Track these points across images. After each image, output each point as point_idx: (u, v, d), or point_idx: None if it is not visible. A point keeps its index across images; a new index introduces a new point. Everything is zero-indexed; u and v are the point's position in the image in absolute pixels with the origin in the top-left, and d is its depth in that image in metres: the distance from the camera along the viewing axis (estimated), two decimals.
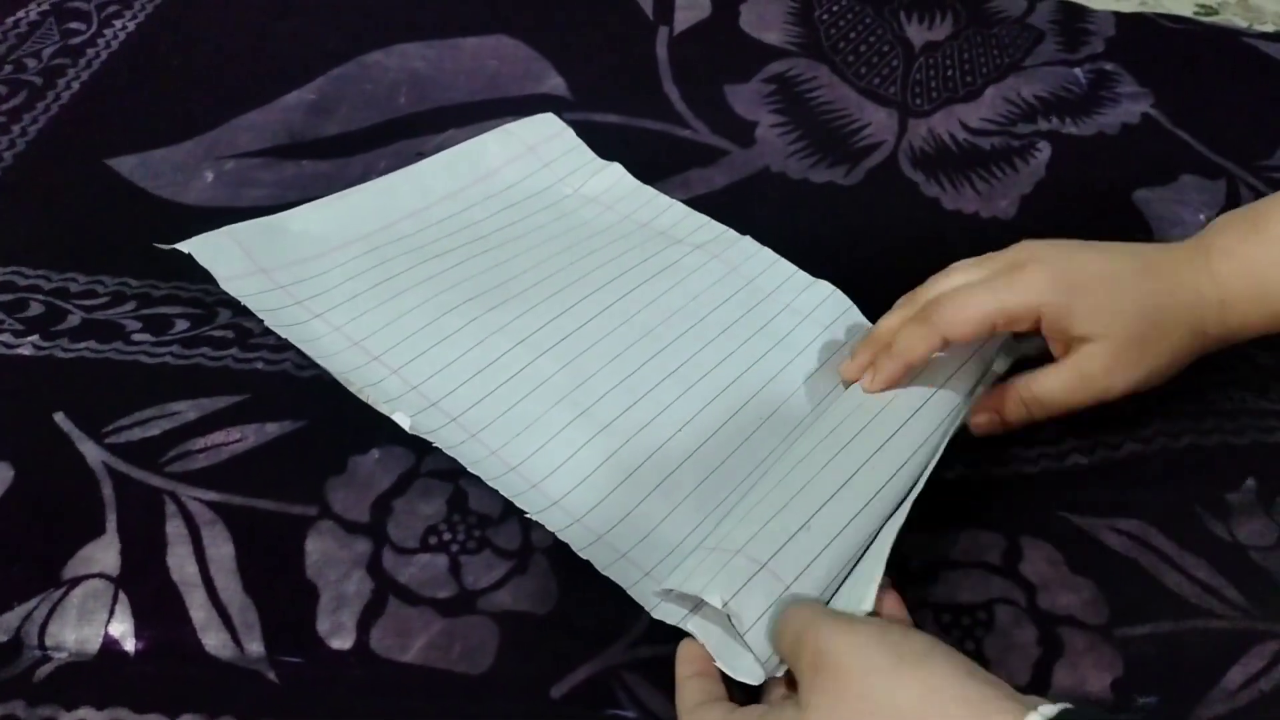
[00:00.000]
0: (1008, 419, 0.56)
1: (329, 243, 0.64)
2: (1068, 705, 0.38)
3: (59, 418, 0.56)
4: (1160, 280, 0.53)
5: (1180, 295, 0.53)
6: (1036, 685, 0.48)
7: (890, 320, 0.58)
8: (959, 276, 0.56)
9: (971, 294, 0.54)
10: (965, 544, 0.53)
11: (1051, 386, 0.54)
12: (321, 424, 0.56)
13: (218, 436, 0.55)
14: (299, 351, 0.59)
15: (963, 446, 0.57)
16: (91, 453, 0.54)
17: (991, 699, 0.39)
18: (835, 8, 0.87)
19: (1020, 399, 0.55)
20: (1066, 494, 0.55)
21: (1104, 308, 0.52)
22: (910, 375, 0.55)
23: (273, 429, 0.56)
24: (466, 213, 0.67)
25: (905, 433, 0.53)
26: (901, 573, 0.51)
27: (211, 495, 0.53)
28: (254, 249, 0.62)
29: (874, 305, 0.65)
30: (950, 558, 0.52)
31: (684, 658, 0.47)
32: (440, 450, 0.54)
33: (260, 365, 0.59)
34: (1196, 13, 0.94)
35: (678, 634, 0.48)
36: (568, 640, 0.49)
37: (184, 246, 0.61)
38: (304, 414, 0.56)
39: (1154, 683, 0.48)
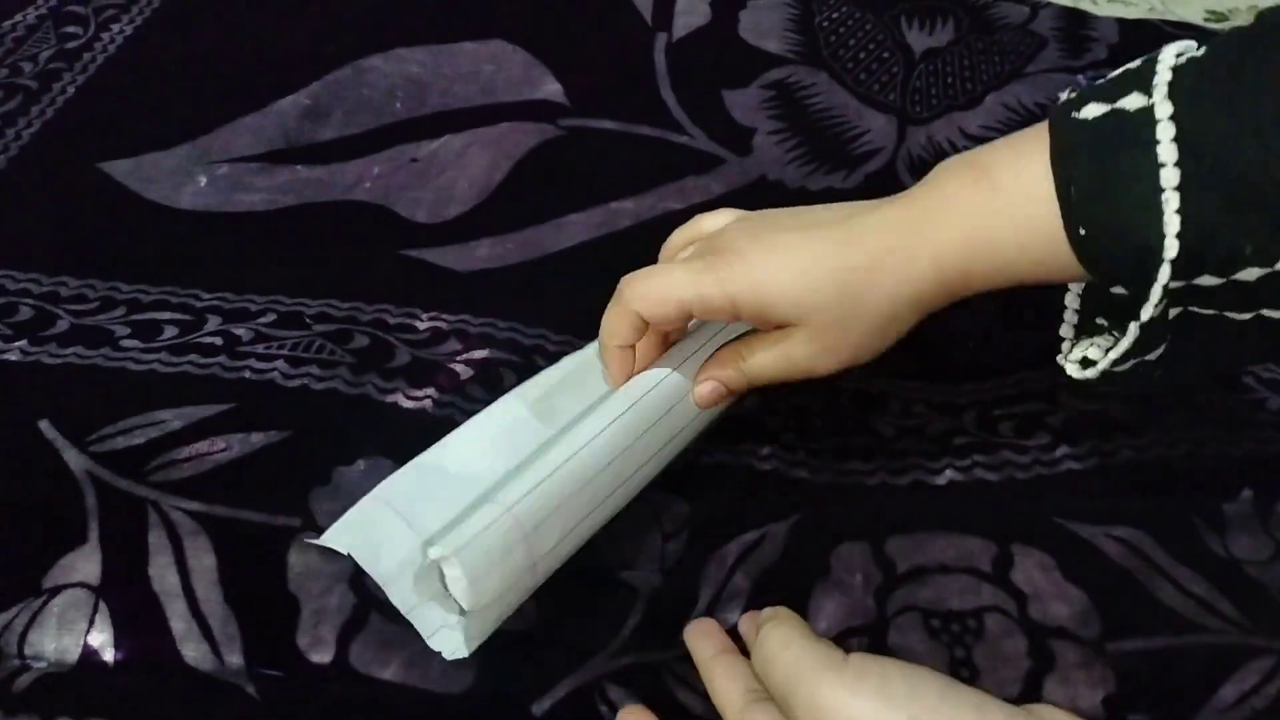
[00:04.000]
0: (730, 387, 0.54)
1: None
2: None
3: (44, 425, 0.55)
4: (862, 251, 0.50)
5: (887, 264, 0.49)
6: (1027, 698, 0.47)
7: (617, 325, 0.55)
8: (679, 236, 0.58)
9: (667, 275, 0.52)
10: (955, 548, 0.52)
11: (763, 361, 0.53)
12: (307, 434, 0.56)
13: (202, 446, 0.55)
14: (287, 360, 0.58)
15: (956, 452, 0.56)
16: (75, 461, 0.54)
17: None
18: (835, 14, 0.86)
19: (739, 368, 0.53)
20: (1060, 499, 0.54)
21: (800, 298, 0.50)
22: (625, 356, 0.53)
23: (258, 439, 0.55)
24: None
25: (631, 414, 0.52)
26: (888, 575, 0.51)
27: (195, 505, 0.52)
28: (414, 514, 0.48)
29: None
30: (940, 562, 0.52)
31: (700, 632, 0.49)
32: None
33: (248, 374, 0.58)
34: (1206, 19, 0.93)
35: (661, 643, 0.48)
36: (548, 655, 0.49)
37: (332, 540, 0.46)
38: (290, 424, 0.56)
39: (1146, 700, 0.47)
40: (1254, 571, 0.52)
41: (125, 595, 0.49)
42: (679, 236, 0.59)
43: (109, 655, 0.48)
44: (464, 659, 0.46)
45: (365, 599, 0.50)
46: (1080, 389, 0.52)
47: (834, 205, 0.54)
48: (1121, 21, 0.87)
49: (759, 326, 0.53)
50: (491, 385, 0.59)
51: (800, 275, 0.50)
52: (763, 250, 0.51)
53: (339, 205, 0.70)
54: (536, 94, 0.79)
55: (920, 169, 0.74)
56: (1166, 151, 0.42)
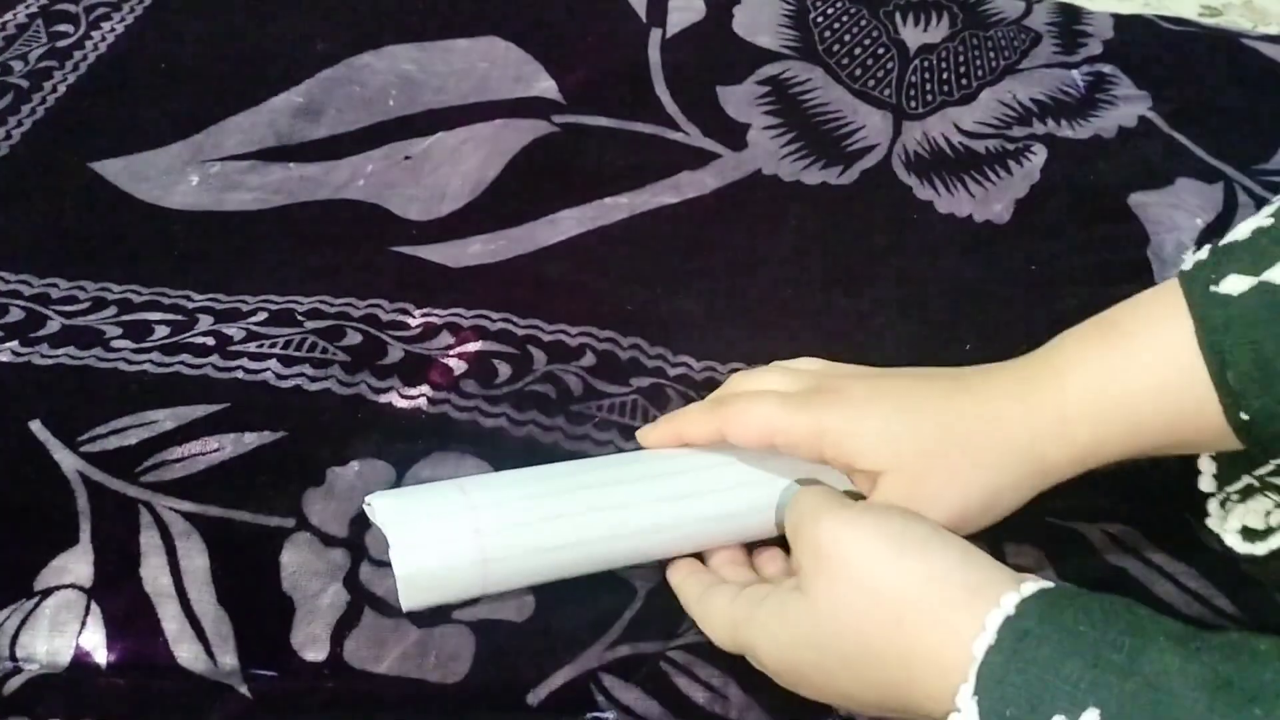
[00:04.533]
0: None
1: None
2: (1049, 584, 0.39)
3: (35, 426, 0.55)
4: (974, 400, 0.47)
5: (1003, 413, 0.46)
6: None
7: (694, 426, 0.52)
8: (773, 378, 0.52)
9: (763, 401, 0.49)
10: None
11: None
12: (301, 435, 0.55)
13: (195, 446, 0.54)
14: (280, 360, 0.58)
15: None
16: (67, 461, 0.53)
17: (990, 582, 0.40)
18: (830, 10, 0.86)
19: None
20: (1053, 497, 0.54)
21: (891, 435, 0.46)
22: (675, 441, 0.52)
23: (251, 439, 0.55)
24: None
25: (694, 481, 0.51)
26: None
27: (187, 506, 0.52)
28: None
29: (868, 311, 0.65)
30: None
31: (673, 567, 0.50)
32: (420, 465, 0.54)
33: (240, 374, 0.58)
34: (1201, 14, 0.93)
35: (657, 633, 0.49)
36: (544, 646, 0.49)
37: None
38: (283, 425, 0.56)
39: None
40: (1250, 567, 0.52)
41: (117, 596, 0.49)
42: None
43: (101, 657, 0.48)
44: (463, 651, 0.48)
45: (359, 596, 0.49)
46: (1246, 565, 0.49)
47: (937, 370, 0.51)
48: (1116, 16, 0.87)
49: (843, 469, 0.49)
50: (485, 379, 0.59)
51: (898, 412, 0.47)
52: (866, 388, 0.48)
53: (332, 204, 0.70)
54: (530, 91, 0.78)
55: (916, 164, 0.74)
56: None
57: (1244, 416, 0.42)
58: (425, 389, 0.58)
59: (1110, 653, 0.36)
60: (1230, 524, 0.49)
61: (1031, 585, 0.39)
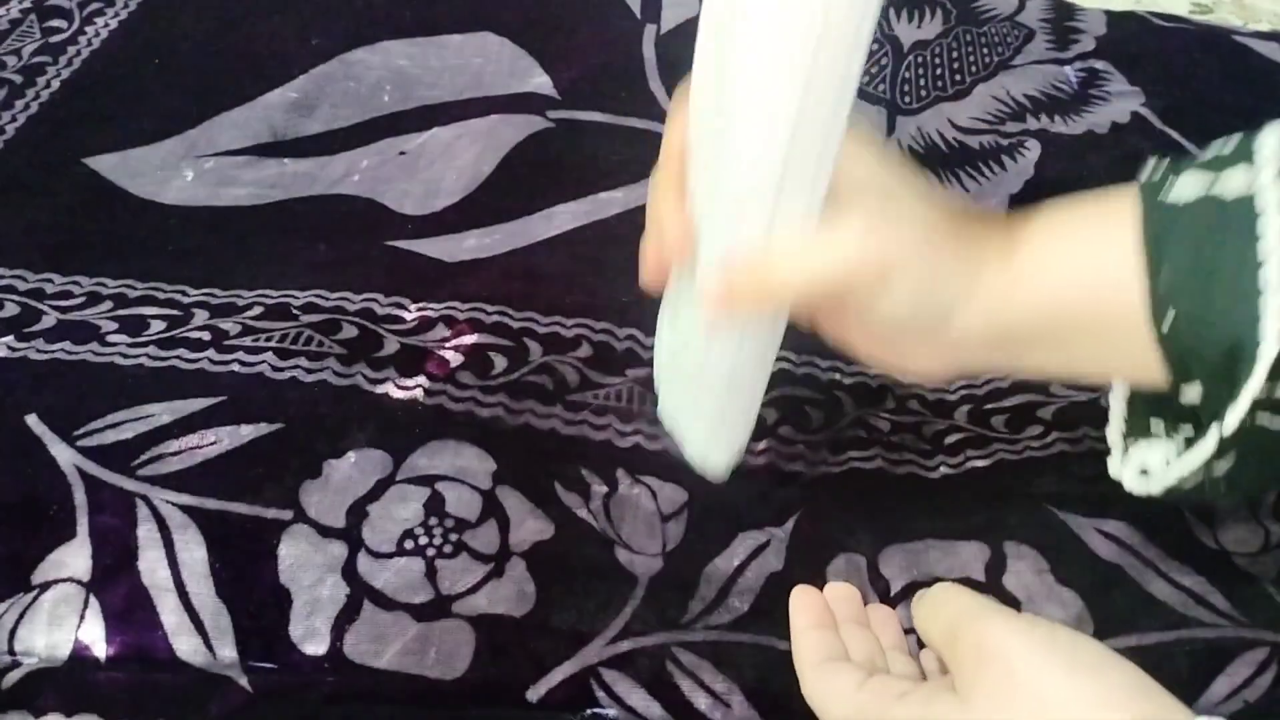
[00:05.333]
0: (739, 289, 0.43)
1: None
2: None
3: (31, 420, 0.55)
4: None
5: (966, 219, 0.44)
6: None
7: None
8: None
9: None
10: (947, 559, 0.52)
11: (791, 253, 0.42)
12: (297, 427, 0.55)
13: (191, 439, 0.54)
14: (276, 353, 0.58)
15: (949, 450, 0.56)
16: (64, 455, 0.53)
17: (1166, 712, 0.38)
18: None
19: (759, 266, 0.43)
20: (1052, 484, 0.54)
21: (855, 156, 0.42)
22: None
23: (247, 431, 0.55)
24: None
25: None
26: (884, 596, 0.51)
27: (184, 499, 0.52)
28: None
29: None
30: (933, 574, 0.52)
31: (798, 607, 0.47)
32: (416, 454, 0.54)
33: (236, 367, 0.58)
34: (1192, 11, 0.94)
35: (659, 625, 0.49)
36: (545, 641, 0.49)
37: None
38: (279, 417, 0.56)
39: None
40: (1245, 563, 0.52)
41: (116, 590, 0.49)
42: None
43: (100, 650, 0.47)
44: (462, 646, 0.48)
45: (358, 589, 0.49)
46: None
47: None
48: (1108, 13, 0.87)
49: None
50: (482, 370, 0.59)
51: (871, 148, 0.43)
52: None
53: (326, 199, 0.70)
54: (524, 86, 0.79)
55: (910, 160, 0.74)
56: (1273, 244, 0.38)
57: (1169, 317, 0.41)
58: (421, 380, 0.58)
59: None
60: (1128, 463, 0.47)
61: None
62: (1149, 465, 0.46)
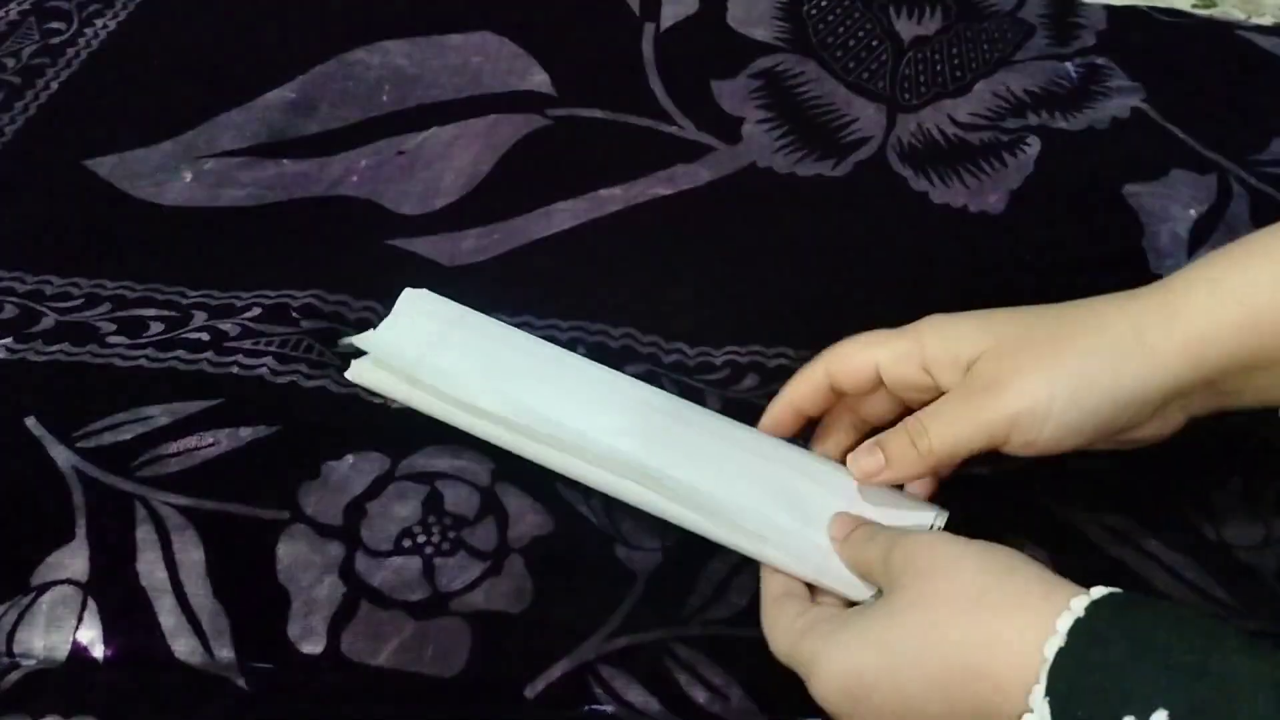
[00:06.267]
0: (899, 466, 0.49)
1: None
2: (1119, 590, 0.40)
3: (30, 422, 0.55)
4: (1075, 303, 0.48)
5: (1102, 307, 0.47)
6: None
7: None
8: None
9: (862, 335, 0.51)
10: None
11: (947, 422, 0.47)
12: (295, 429, 0.55)
13: (190, 441, 0.54)
14: (275, 356, 0.58)
15: None
16: (62, 457, 0.53)
17: (1062, 586, 0.41)
18: (824, 3, 0.86)
19: (914, 439, 0.48)
20: (1052, 479, 0.54)
21: (989, 323, 0.48)
22: (796, 417, 0.53)
23: (246, 433, 0.55)
24: None
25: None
26: None
27: (182, 500, 0.52)
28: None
29: (863, 301, 0.65)
30: None
31: (767, 569, 0.50)
32: (414, 456, 0.54)
33: (235, 369, 0.58)
34: (1195, 5, 0.93)
35: (657, 621, 0.49)
36: (542, 638, 0.49)
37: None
38: (278, 419, 0.56)
39: None
40: (1246, 556, 0.52)
41: (113, 591, 0.49)
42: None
43: (98, 652, 0.48)
44: (460, 643, 0.48)
45: (355, 588, 0.49)
46: None
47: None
48: (1109, 8, 0.87)
49: (947, 380, 0.48)
50: None
51: (995, 311, 0.48)
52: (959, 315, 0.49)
53: (326, 200, 0.70)
54: (523, 85, 0.78)
55: (910, 156, 0.74)
56: None
57: None
58: None
59: (1181, 655, 0.36)
60: None
61: (1101, 590, 0.40)
62: None
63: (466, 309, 0.58)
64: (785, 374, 0.59)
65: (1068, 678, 0.38)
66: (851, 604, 0.47)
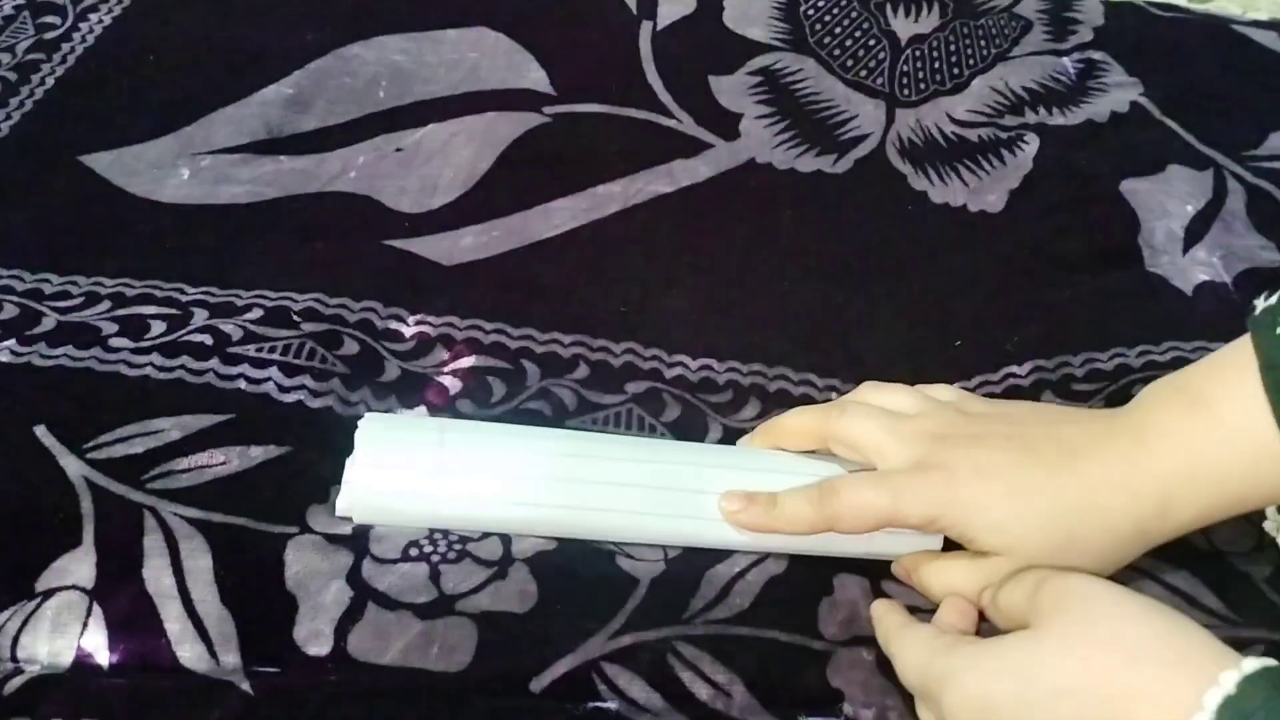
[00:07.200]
0: (913, 578, 0.52)
1: None
2: (1271, 662, 0.39)
3: (40, 431, 0.54)
4: (1078, 486, 0.48)
5: (1105, 501, 0.48)
6: None
7: (799, 419, 0.54)
8: (879, 397, 0.54)
9: (872, 488, 0.49)
10: None
11: (954, 578, 0.50)
12: (305, 451, 0.55)
13: (201, 458, 0.54)
14: (281, 368, 0.58)
15: None
16: (72, 467, 0.53)
17: (1211, 655, 0.40)
18: (821, 2, 0.86)
19: (925, 574, 0.51)
20: None
21: (1007, 529, 0.48)
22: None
23: (256, 453, 0.54)
24: None
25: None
26: None
27: (192, 512, 0.52)
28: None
29: (862, 299, 0.65)
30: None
31: (877, 601, 0.51)
32: None
33: (243, 384, 0.58)
34: (1191, 0, 0.93)
35: (660, 621, 0.49)
36: (546, 635, 0.49)
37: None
38: (287, 439, 0.55)
39: None
40: (1238, 563, 0.52)
41: (119, 597, 0.49)
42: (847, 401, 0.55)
43: (103, 658, 0.47)
44: (465, 641, 0.48)
45: (362, 592, 0.49)
46: None
47: (1040, 408, 0.55)
48: (1106, 3, 0.87)
49: (954, 539, 0.50)
50: (481, 398, 0.59)
51: (1009, 503, 0.48)
52: (970, 470, 0.48)
53: (323, 196, 0.70)
54: (521, 82, 0.78)
55: (909, 152, 0.74)
56: None
57: None
58: (422, 410, 0.58)
59: None
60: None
61: (1253, 663, 0.39)
62: None
63: (423, 419, 0.57)
64: (785, 398, 0.59)
65: None
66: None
